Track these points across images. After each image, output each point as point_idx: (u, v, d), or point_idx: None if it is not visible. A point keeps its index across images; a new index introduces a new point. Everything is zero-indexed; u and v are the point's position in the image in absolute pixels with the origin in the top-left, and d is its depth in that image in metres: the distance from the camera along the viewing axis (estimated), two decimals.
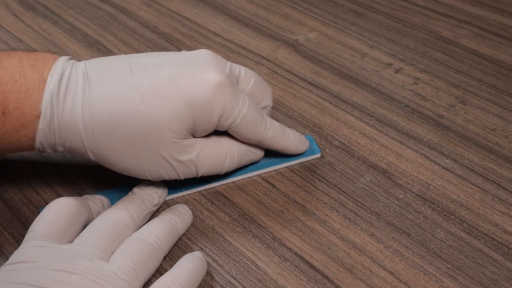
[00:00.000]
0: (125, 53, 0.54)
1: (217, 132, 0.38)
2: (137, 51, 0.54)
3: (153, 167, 0.35)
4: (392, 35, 0.56)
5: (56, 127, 0.34)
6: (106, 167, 0.36)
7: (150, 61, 0.36)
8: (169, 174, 0.36)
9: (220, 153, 0.37)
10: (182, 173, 0.36)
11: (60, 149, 0.35)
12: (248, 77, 0.39)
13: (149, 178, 0.36)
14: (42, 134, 0.34)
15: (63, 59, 0.35)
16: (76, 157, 0.42)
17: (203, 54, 0.37)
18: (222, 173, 0.39)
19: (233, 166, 0.39)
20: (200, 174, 0.37)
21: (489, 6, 0.60)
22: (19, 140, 0.34)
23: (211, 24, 0.58)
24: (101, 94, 0.34)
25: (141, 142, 0.34)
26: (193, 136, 0.37)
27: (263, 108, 0.40)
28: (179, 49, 0.54)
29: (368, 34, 0.56)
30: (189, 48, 0.54)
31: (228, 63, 0.38)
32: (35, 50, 0.53)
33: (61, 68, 0.34)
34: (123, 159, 0.35)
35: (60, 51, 0.54)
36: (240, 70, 0.39)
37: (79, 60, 0.37)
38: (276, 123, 0.39)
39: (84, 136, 0.34)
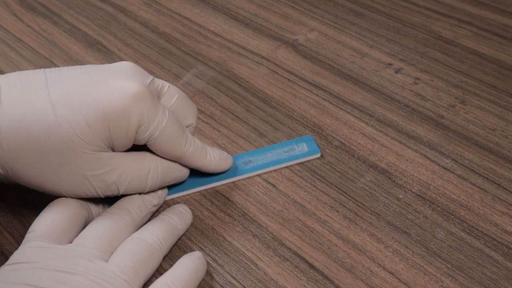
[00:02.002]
0: (125, 53, 0.54)
1: (138, 149, 0.36)
2: (137, 51, 0.54)
3: (67, 182, 0.34)
4: (392, 35, 0.56)
5: None
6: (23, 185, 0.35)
7: (67, 73, 0.34)
8: (86, 191, 0.34)
9: (141, 168, 0.36)
10: (100, 189, 0.34)
11: None
12: (171, 93, 0.37)
13: (65, 195, 0.35)
14: None
15: None
16: None
17: (124, 66, 0.35)
18: (145, 191, 0.37)
19: (157, 182, 0.37)
20: (121, 191, 0.35)
21: (489, 6, 0.60)
22: None
23: (211, 24, 0.58)
24: (10, 104, 0.32)
25: (52, 154, 0.32)
26: (113, 151, 0.35)
27: (186, 126, 0.38)
28: (179, 49, 0.54)
29: (368, 34, 0.56)
30: (189, 48, 0.54)
31: (151, 77, 0.36)
32: (38, 56, 0.53)
33: None
34: (36, 174, 0.33)
35: (60, 51, 0.54)
36: (164, 85, 0.37)
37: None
38: (197, 141, 0.38)
39: None
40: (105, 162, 0.34)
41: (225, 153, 0.40)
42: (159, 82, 0.37)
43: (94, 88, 0.33)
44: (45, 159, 0.33)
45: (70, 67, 0.35)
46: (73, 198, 0.35)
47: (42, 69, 0.34)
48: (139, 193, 0.37)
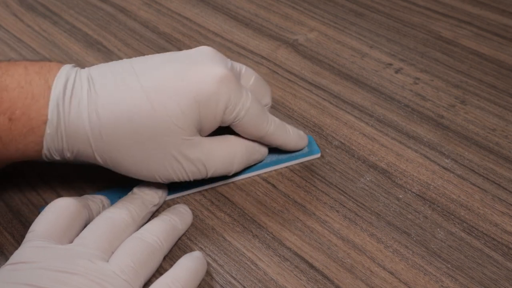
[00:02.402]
0: (125, 53, 0.54)
1: (221, 133, 0.38)
2: (137, 51, 0.54)
3: (162, 167, 0.35)
4: (392, 35, 0.56)
5: (63, 131, 0.34)
6: (114, 171, 0.36)
7: (152, 61, 0.36)
8: (178, 175, 0.36)
9: (229, 152, 0.37)
10: (192, 173, 0.36)
11: (68, 154, 0.35)
12: (248, 74, 0.39)
13: (159, 180, 0.36)
14: (50, 140, 0.34)
15: (67, 67, 0.35)
16: None
17: (205, 50, 0.37)
18: (231, 173, 0.38)
19: (242, 165, 0.39)
20: (209, 174, 0.37)
21: (489, 6, 0.60)
22: (26, 146, 0.34)
23: (211, 24, 0.58)
24: (106, 96, 0.34)
25: (148, 141, 0.34)
26: (200, 135, 0.36)
27: (264, 106, 0.40)
28: (179, 49, 0.54)
29: (368, 34, 0.56)
30: (189, 48, 0.54)
31: (229, 60, 0.38)
32: (38, 56, 0.53)
33: (65, 74, 0.34)
34: (132, 160, 0.35)
35: (60, 51, 0.54)
36: (241, 67, 0.39)
37: (79, 60, 0.37)
38: (276, 119, 0.39)
39: (91, 138, 0.34)
40: (197, 146, 0.35)
41: (302, 132, 0.42)
42: (237, 65, 0.39)
43: (182, 75, 0.35)
44: (143, 146, 0.34)
45: (151, 55, 0.37)
46: (160, 181, 0.36)
47: (127, 59, 0.36)
48: (225, 175, 0.39)
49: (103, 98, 0.34)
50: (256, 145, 0.39)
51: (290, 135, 0.40)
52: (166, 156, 0.35)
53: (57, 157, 0.35)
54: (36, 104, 0.33)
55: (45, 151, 0.35)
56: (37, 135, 0.34)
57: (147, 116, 0.34)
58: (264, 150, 0.40)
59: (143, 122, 0.34)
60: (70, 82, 0.34)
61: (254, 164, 0.41)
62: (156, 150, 0.34)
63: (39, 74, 0.34)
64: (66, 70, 0.35)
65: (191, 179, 0.37)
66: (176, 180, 0.36)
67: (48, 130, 0.34)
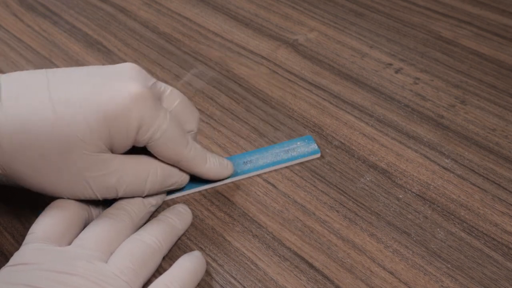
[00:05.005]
0: (125, 53, 0.54)
1: (138, 153, 0.36)
2: (137, 51, 0.54)
3: (66, 183, 0.34)
4: (392, 35, 0.56)
5: None
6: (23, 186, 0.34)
7: (70, 74, 0.34)
8: (84, 193, 0.34)
9: (141, 171, 0.35)
10: (99, 191, 0.34)
11: None
12: (173, 96, 0.37)
13: (64, 196, 0.34)
14: None
15: None
16: None
17: (127, 67, 0.35)
18: (143, 195, 0.36)
19: (156, 186, 0.36)
20: (120, 194, 0.35)
21: (489, 6, 0.60)
22: None
23: (211, 24, 0.58)
24: (11, 103, 0.32)
25: (52, 154, 0.32)
26: (112, 152, 0.35)
27: (187, 132, 0.38)
28: (179, 49, 0.54)
29: (368, 34, 0.56)
30: (189, 48, 0.54)
31: (154, 79, 0.36)
32: (38, 56, 0.53)
33: None
34: (34, 175, 0.33)
35: (60, 51, 0.54)
36: (166, 88, 0.37)
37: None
38: (198, 146, 0.37)
39: None
40: (104, 163, 0.34)
41: (226, 161, 0.40)
42: (162, 85, 0.37)
43: (95, 89, 0.33)
44: (44, 160, 0.32)
45: (72, 68, 0.35)
46: (65, 197, 0.35)
47: (44, 70, 0.34)
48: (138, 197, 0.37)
49: (6, 105, 0.32)
50: (174, 169, 0.37)
51: (211, 164, 0.38)
52: (70, 171, 0.33)
53: None
54: None
55: None
56: None
57: (50, 127, 0.32)
58: (185, 175, 0.38)
59: (46, 133, 0.32)
60: None
61: (176, 190, 0.39)
62: (59, 164, 0.33)
63: None
64: None
65: (100, 198, 0.35)
66: (83, 198, 0.35)
67: None
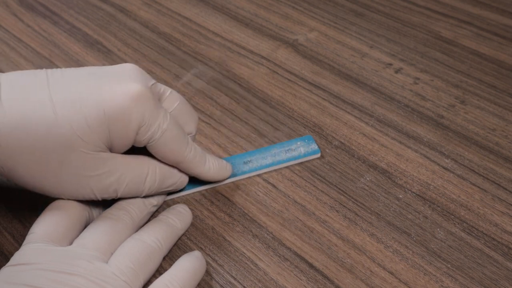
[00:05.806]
0: (125, 53, 0.54)
1: (138, 152, 0.36)
2: (137, 51, 0.54)
3: (65, 183, 0.33)
4: (392, 35, 0.56)
5: None
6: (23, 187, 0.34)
7: (70, 74, 0.34)
8: (83, 193, 0.34)
9: (140, 171, 0.35)
10: (98, 191, 0.34)
11: None
12: (173, 98, 0.37)
13: (63, 196, 0.34)
14: None
15: None
16: None
17: (127, 68, 0.35)
18: (142, 195, 0.36)
19: (155, 187, 0.36)
20: (119, 194, 0.35)
21: (489, 6, 0.60)
22: None
23: (211, 24, 0.58)
24: (11, 102, 0.32)
25: (51, 154, 0.32)
26: (111, 152, 0.35)
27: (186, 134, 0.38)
28: (179, 49, 0.54)
29: (368, 34, 0.56)
30: (189, 48, 0.54)
31: (154, 80, 0.36)
32: (38, 56, 0.53)
33: None
34: (34, 174, 0.33)
35: (60, 51, 0.54)
36: (166, 90, 0.37)
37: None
38: (198, 147, 0.37)
39: None
40: (103, 163, 0.34)
41: (225, 162, 0.40)
42: (161, 87, 0.37)
43: (95, 89, 0.33)
44: (44, 159, 0.32)
45: (73, 68, 0.35)
46: (64, 198, 0.35)
47: (44, 69, 0.34)
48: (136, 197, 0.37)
49: (6, 104, 0.32)
50: (173, 169, 0.37)
51: (210, 165, 0.38)
52: (69, 171, 0.33)
53: None
54: None
55: None
56: None
57: (50, 127, 0.32)
58: (184, 177, 0.38)
59: (46, 133, 0.32)
60: None
61: (176, 192, 0.39)
62: (58, 164, 0.33)
63: None
64: None
65: (99, 199, 0.35)
66: (82, 198, 0.35)
67: None
